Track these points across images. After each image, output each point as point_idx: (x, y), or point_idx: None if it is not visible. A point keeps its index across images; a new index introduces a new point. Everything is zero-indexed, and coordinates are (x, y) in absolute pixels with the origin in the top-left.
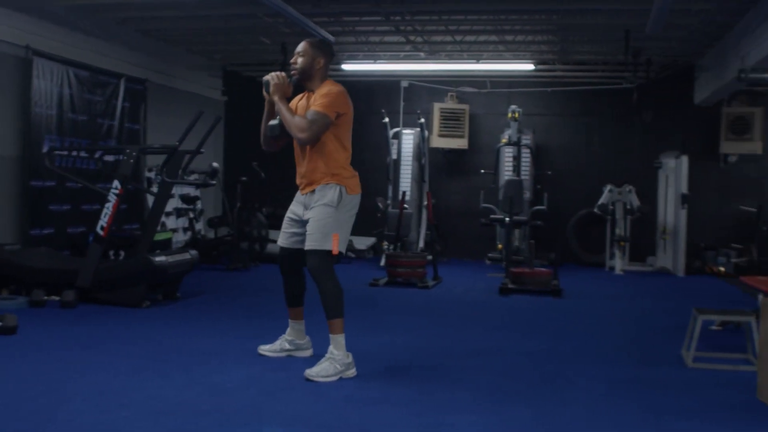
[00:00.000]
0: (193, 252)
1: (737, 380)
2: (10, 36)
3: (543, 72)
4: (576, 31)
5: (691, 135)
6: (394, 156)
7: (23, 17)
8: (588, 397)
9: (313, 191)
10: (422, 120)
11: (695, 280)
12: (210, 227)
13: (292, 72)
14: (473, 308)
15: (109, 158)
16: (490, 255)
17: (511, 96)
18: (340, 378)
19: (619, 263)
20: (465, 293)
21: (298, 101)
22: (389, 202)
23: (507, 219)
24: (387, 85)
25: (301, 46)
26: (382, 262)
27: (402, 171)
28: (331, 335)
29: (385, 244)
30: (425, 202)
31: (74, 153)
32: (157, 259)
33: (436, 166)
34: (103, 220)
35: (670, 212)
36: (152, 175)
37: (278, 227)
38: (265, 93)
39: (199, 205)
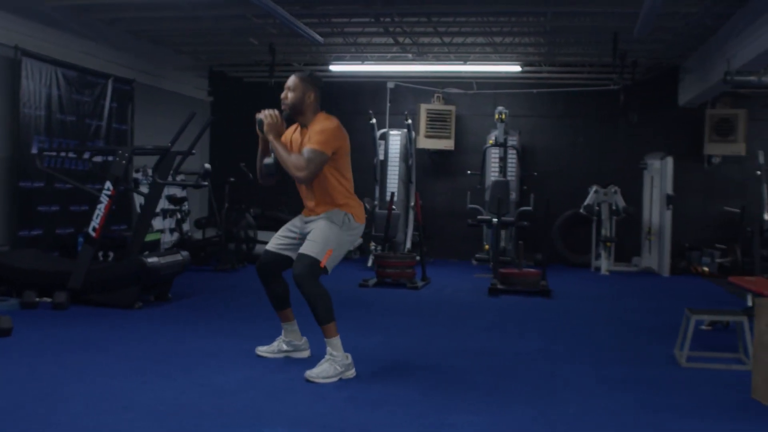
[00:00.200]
0: (185, 253)
1: (731, 379)
2: None
3: (529, 73)
4: (564, 34)
5: (675, 136)
6: (381, 157)
7: (12, 17)
8: (585, 397)
9: (318, 215)
10: (409, 121)
11: (680, 280)
12: (197, 228)
13: (283, 107)
14: (464, 309)
15: (98, 159)
16: (477, 256)
17: (497, 97)
18: (340, 379)
19: (604, 264)
20: (454, 294)
21: (291, 134)
22: (376, 203)
23: (495, 220)
24: (373, 85)
25: (291, 81)
26: (370, 263)
27: (389, 172)
28: (326, 340)
29: (373, 245)
30: (412, 203)
31: (63, 154)
32: (150, 260)
33: (422, 166)
34: (95, 222)
35: (656, 213)
36: (139, 175)
37: (266, 228)
38: (258, 131)
39: (186, 206)
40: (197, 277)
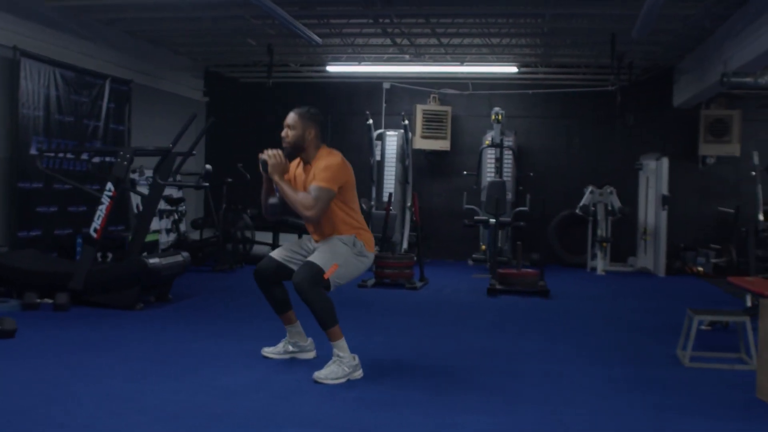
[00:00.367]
0: (185, 254)
1: (734, 379)
2: None
3: (525, 74)
4: (561, 35)
5: (670, 137)
6: (378, 157)
7: (10, 18)
8: (591, 397)
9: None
10: (406, 122)
11: (676, 281)
12: (194, 228)
13: (285, 145)
14: (464, 309)
15: (96, 159)
16: (474, 256)
17: (493, 98)
18: (348, 380)
19: (600, 264)
20: (453, 294)
21: (294, 169)
22: (373, 203)
23: (492, 220)
24: (369, 86)
25: (290, 119)
26: None
27: (386, 172)
28: (332, 343)
29: None
30: (409, 204)
31: (62, 154)
32: (151, 261)
33: (419, 167)
34: (96, 223)
35: (651, 213)
36: (135, 176)
37: (263, 229)
38: (262, 171)
39: (183, 206)
40: (196, 278)
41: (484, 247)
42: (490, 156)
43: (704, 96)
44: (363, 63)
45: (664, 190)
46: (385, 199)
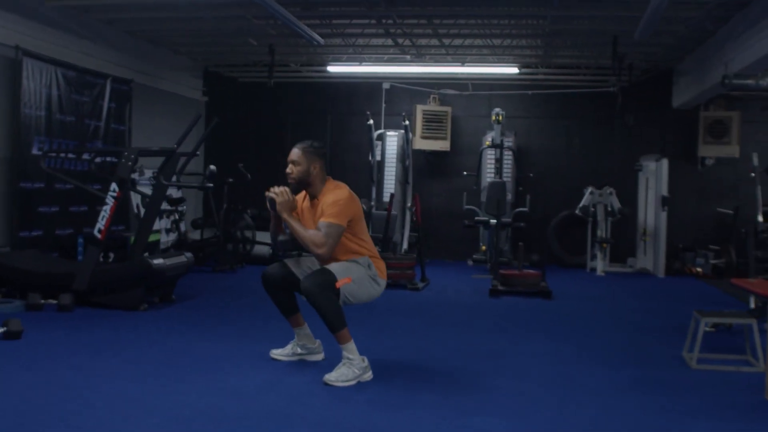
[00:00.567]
0: (188, 254)
1: (742, 381)
2: (0, 36)
3: (525, 75)
4: (562, 36)
5: (669, 138)
6: (378, 158)
7: (13, 17)
8: (600, 400)
9: None
10: (407, 122)
11: (675, 281)
12: (194, 228)
13: (290, 181)
14: (467, 310)
15: (97, 159)
16: (474, 256)
17: (493, 98)
18: (358, 382)
19: (600, 264)
20: (456, 295)
21: (301, 203)
22: (373, 203)
23: (493, 221)
24: (368, 86)
25: (294, 155)
26: None
27: (386, 173)
28: (341, 346)
29: None
30: (409, 204)
31: (63, 154)
32: (155, 261)
33: (418, 167)
34: (101, 223)
35: (651, 214)
36: (136, 176)
37: (264, 228)
38: (270, 209)
39: (183, 206)
40: (197, 278)
41: (484, 247)
42: (490, 156)
43: (704, 97)
44: (364, 63)
45: (664, 191)
46: (386, 199)
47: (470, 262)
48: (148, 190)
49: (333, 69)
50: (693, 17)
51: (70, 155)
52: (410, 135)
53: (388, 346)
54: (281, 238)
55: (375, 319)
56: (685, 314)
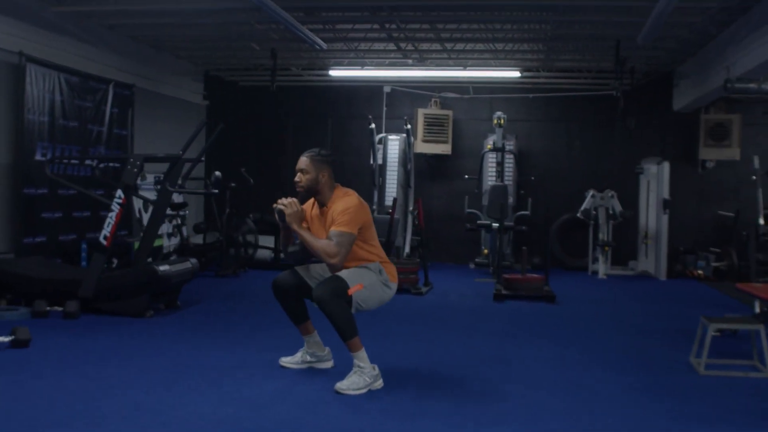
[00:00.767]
0: (193, 260)
1: (751, 387)
2: (3, 42)
3: (526, 78)
4: (564, 41)
5: (670, 141)
6: (380, 161)
7: (16, 23)
8: (611, 406)
9: None
10: (409, 126)
11: (677, 284)
12: (196, 233)
13: (299, 190)
14: (473, 315)
15: (101, 165)
16: (477, 260)
17: (494, 102)
18: (369, 390)
19: (602, 267)
20: (460, 299)
21: (310, 211)
22: (375, 207)
23: (495, 225)
24: (369, 90)
25: (303, 163)
26: None
27: (388, 176)
28: (353, 354)
29: None
30: (411, 207)
31: (66, 160)
32: (161, 268)
33: (419, 170)
34: (107, 230)
35: (652, 217)
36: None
37: (266, 233)
38: (279, 221)
39: (186, 211)
40: (200, 283)
41: (486, 251)
42: (491, 160)
43: (705, 100)
44: (366, 67)
45: (666, 194)
46: (387, 203)
47: (472, 266)
48: (149, 195)
49: (335, 73)
50: (696, 22)
51: (73, 160)
52: (412, 139)
53: (395, 353)
54: (291, 249)
55: (380, 325)
56: (689, 317)
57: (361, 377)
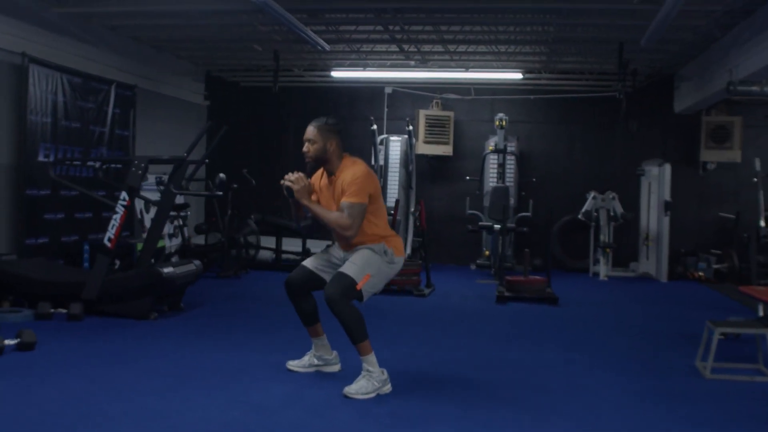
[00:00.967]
0: (197, 262)
1: (756, 391)
2: (6, 43)
3: (527, 80)
4: (567, 43)
5: (671, 143)
6: (381, 162)
7: (19, 24)
8: (619, 411)
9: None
10: (410, 127)
11: (678, 286)
12: (197, 234)
13: (307, 160)
14: (475, 317)
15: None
16: (478, 261)
17: (495, 103)
18: (377, 394)
19: (603, 269)
20: (462, 301)
21: (319, 182)
22: None
23: (497, 226)
24: (371, 91)
25: (310, 133)
26: None
27: (389, 178)
28: (362, 357)
29: None
30: (412, 209)
31: (73, 162)
32: (166, 270)
33: (420, 171)
34: (111, 232)
35: (653, 219)
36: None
37: (267, 234)
38: (288, 197)
39: (188, 212)
40: (202, 284)
41: (487, 252)
42: (492, 161)
43: (706, 103)
44: (368, 69)
45: (667, 196)
46: (389, 204)
47: (473, 267)
48: (150, 195)
49: (337, 74)
50: (701, 25)
51: (77, 163)
52: (413, 140)
53: (400, 356)
54: (304, 223)
55: (385, 328)
56: (692, 320)
57: (369, 381)
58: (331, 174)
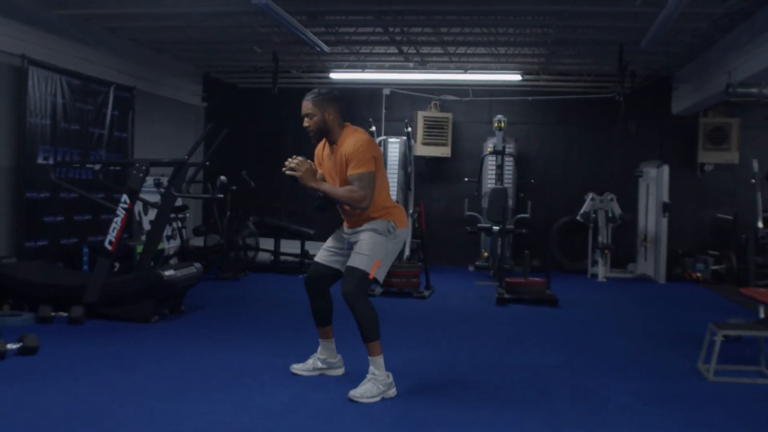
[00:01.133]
0: (198, 265)
1: (759, 393)
2: (6, 45)
3: (526, 81)
4: (566, 45)
5: (668, 144)
6: None
7: (19, 26)
8: (624, 415)
9: (360, 226)
10: (409, 129)
11: (677, 287)
12: (196, 235)
13: (310, 134)
14: (476, 319)
15: (98, 167)
16: (477, 263)
17: (493, 104)
18: (382, 398)
19: (601, 270)
20: (462, 303)
21: (321, 152)
22: None
23: (497, 228)
24: (369, 92)
25: (307, 108)
26: None
27: (388, 179)
28: (370, 357)
29: None
30: (411, 210)
31: (73, 165)
32: (167, 273)
33: (419, 173)
34: (112, 235)
35: (651, 220)
36: None
37: (265, 236)
38: (294, 184)
39: (187, 214)
40: (202, 286)
41: (486, 254)
42: (491, 163)
43: (704, 104)
44: (366, 70)
45: (665, 198)
46: None
47: (471, 268)
48: (148, 197)
49: (335, 76)
50: (701, 27)
51: (77, 165)
52: (412, 141)
53: (403, 359)
54: (316, 202)
55: (386, 331)
56: (691, 321)
57: (375, 385)
58: (333, 143)
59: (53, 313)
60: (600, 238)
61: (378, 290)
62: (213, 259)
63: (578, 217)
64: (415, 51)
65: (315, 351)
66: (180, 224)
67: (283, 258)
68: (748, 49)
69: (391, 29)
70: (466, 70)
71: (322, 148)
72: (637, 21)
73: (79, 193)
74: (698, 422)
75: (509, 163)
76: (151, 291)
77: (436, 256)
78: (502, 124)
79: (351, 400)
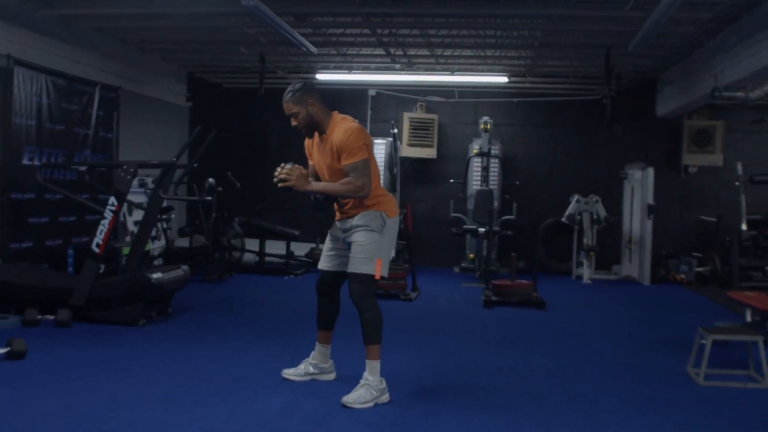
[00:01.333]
0: (185, 267)
1: (750, 398)
2: None
3: (511, 83)
4: (552, 48)
5: (653, 146)
6: None
7: (4, 26)
8: (617, 419)
9: (352, 217)
10: (395, 130)
11: (661, 289)
12: (180, 236)
13: (303, 131)
14: (464, 322)
15: (83, 168)
16: (462, 264)
17: (479, 106)
18: (375, 404)
19: (586, 272)
20: (449, 305)
21: (311, 142)
22: None
23: (483, 229)
24: (354, 93)
25: (289, 107)
26: None
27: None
28: (367, 360)
29: None
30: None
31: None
32: (155, 276)
33: (404, 174)
34: (99, 238)
35: (636, 222)
36: None
37: (251, 236)
38: (289, 193)
39: (172, 215)
40: (187, 288)
41: (471, 255)
42: (476, 164)
43: (690, 107)
44: (353, 71)
45: (650, 200)
46: None
47: (456, 270)
48: (133, 197)
49: (321, 77)
50: (688, 31)
51: (63, 167)
52: (398, 143)
53: (393, 363)
54: (314, 203)
55: None
56: (676, 323)
57: (368, 391)
58: (322, 133)
59: (40, 316)
60: (585, 240)
61: None
62: (198, 260)
63: (563, 219)
64: (402, 53)
65: (306, 354)
66: (165, 225)
67: (268, 259)
68: (734, 53)
69: (379, 31)
70: (452, 72)
71: (311, 139)
72: (625, 25)
73: (65, 194)
74: (691, 427)
75: (495, 165)
76: (139, 294)
77: (422, 257)
78: (488, 126)
79: (344, 406)
